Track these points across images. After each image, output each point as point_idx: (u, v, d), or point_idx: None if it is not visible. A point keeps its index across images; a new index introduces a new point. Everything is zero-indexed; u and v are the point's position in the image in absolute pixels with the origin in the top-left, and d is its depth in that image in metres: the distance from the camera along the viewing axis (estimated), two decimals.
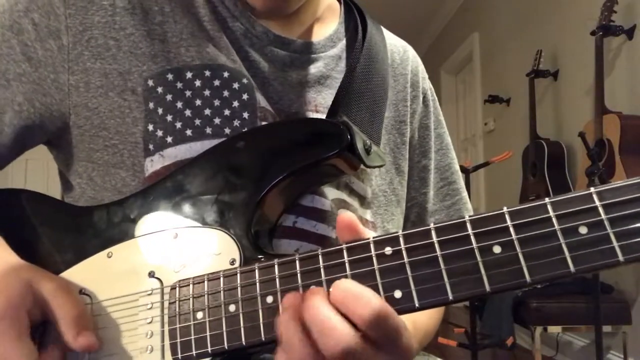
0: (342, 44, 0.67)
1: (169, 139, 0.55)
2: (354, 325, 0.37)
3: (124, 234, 0.52)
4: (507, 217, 0.38)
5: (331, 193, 0.59)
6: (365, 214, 0.64)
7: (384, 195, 0.66)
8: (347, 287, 0.38)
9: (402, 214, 0.70)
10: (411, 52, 0.75)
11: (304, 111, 0.61)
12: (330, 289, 0.39)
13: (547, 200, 0.37)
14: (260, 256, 0.48)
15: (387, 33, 0.73)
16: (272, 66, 0.61)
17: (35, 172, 4.85)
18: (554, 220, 0.37)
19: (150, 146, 0.55)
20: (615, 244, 0.35)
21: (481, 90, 4.33)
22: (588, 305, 2.22)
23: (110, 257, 0.51)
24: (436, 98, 0.77)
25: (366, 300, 0.37)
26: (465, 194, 0.77)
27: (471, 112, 4.78)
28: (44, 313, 0.46)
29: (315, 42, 0.65)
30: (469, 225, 0.39)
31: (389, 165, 0.67)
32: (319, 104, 0.62)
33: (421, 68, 0.76)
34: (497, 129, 4.08)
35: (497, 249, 0.38)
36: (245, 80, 0.58)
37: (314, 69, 0.64)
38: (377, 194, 0.65)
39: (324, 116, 0.61)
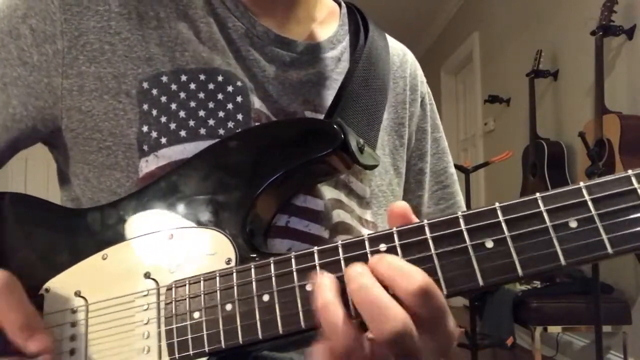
0: (342, 46, 0.68)
1: (164, 140, 0.55)
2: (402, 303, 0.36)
3: (119, 235, 0.52)
4: (499, 212, 0.38)
5: (328, 193, 0.60)
6: (365, 214, 0.64)
7: (384, 195, 0.66)
8: (391, 261, 0.37)
9: None
10: (410, 56, 0.76)
11: (303, 111, 0.62)
12: (370, 263, 0.38)
13: (537, 195, 0.38)
14: (254, 255, 0.48)
15: (388, 37, 0.74)
16: (272, 66, 0.62)
17: (35, 172, 4.85)
18: (545, 215, 0.37)
19: (145, 147, 0.56)
20: (604, 237, 0.35)
21: (481, 90, 4.33)
22: (588, 305, 2.22)
23: (105, 259, 0.51)
24: (434, 102, 0.78)
25: (412, 274, 0.36)
26: (460, 197, 0.77)
27: (471, 112, 4.78)
28: None
29: (315, 44, 0.65)
30: (461, 221, 0.39)
31: (387, 166, 0.68)
32: (318, 104, 0.63)
33: (420, 72, 0.76)
34: (497, 129, 4.08)
35: (489, 244, 0.38)
36: (239, 83, 0.59)
37: (314, 69, 0.64)
38: (377, 194, 0.65)
39: (322, 116, 0.61)
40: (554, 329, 2.43)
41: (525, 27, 3.52)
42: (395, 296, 0.37)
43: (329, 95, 0.63)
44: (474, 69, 4.49)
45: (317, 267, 0.42)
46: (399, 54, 0.74)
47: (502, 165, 3.09)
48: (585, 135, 2.01)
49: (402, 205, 0.42)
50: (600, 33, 2.36)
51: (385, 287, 0.37)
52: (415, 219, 0.42)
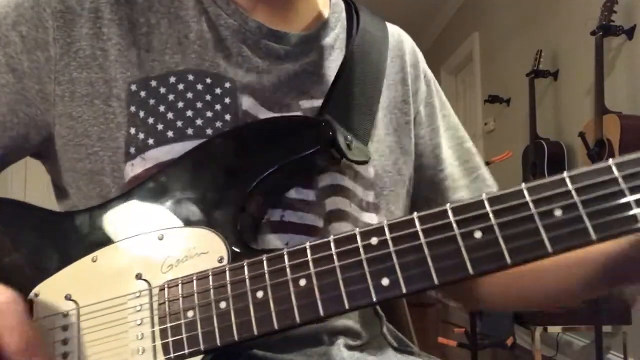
0: (335, 33, 0.68)
1: (151, 141, 0.55)
2: None
3: (108, 237, 0.51)
4: (486, 203, 0.39)
5: (328, 179, 0.59)
6: (368, 196, 0.63)
7: (388, 175, 0.65)
8: None
9: (409, 194, 0.70)
10: (405, 36, 0.76)
11: (299, 101, 0.62)
12: None
13: (523, 185, 0.39)
14: (246, 253, 0.47)
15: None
16: (267, 59, 0.62)
17: (35, 172, 4.84)
18: (531, 204, 0.38)
19: (132, 149, 0.55)
20: (588, 224, 0.37)
21: (481, 90, 4.33)
22: (588, 305, 2.22)
23: (95, 261, 0.50)
24: (436, 80, 0.77)
25: None
26: (483, 169, 0.76)
27: (471, 112, 4.78)
28: None
29: (308, 34, 0.65)
30: (450, 213, 0.40)
31: (393, 145, 0.67)
32: (315, 92, 0.63)
33: (417, 50, 0.76)
34: (497, 129, 4.08)
35: (478, 234, 0.39)
36: (227, 84, 0.59)
37: (308, 59, 0.64)
38: (381, 175, 0.65)
39: (319, 102, 0.61)
40: (554, 329, 2.43)
41: (525, 27, 3.52)
42: None
43: (326, 83, 0.63)
44: (474, 69, 4.49)
45: (310, 262, 0.42)
46: (393, 34, 0.73)
47: (502, 165, 3.09)
48: (585, 135, 2.01)
49: None
50: (600, 33, 2.36)
51: None
52: None
